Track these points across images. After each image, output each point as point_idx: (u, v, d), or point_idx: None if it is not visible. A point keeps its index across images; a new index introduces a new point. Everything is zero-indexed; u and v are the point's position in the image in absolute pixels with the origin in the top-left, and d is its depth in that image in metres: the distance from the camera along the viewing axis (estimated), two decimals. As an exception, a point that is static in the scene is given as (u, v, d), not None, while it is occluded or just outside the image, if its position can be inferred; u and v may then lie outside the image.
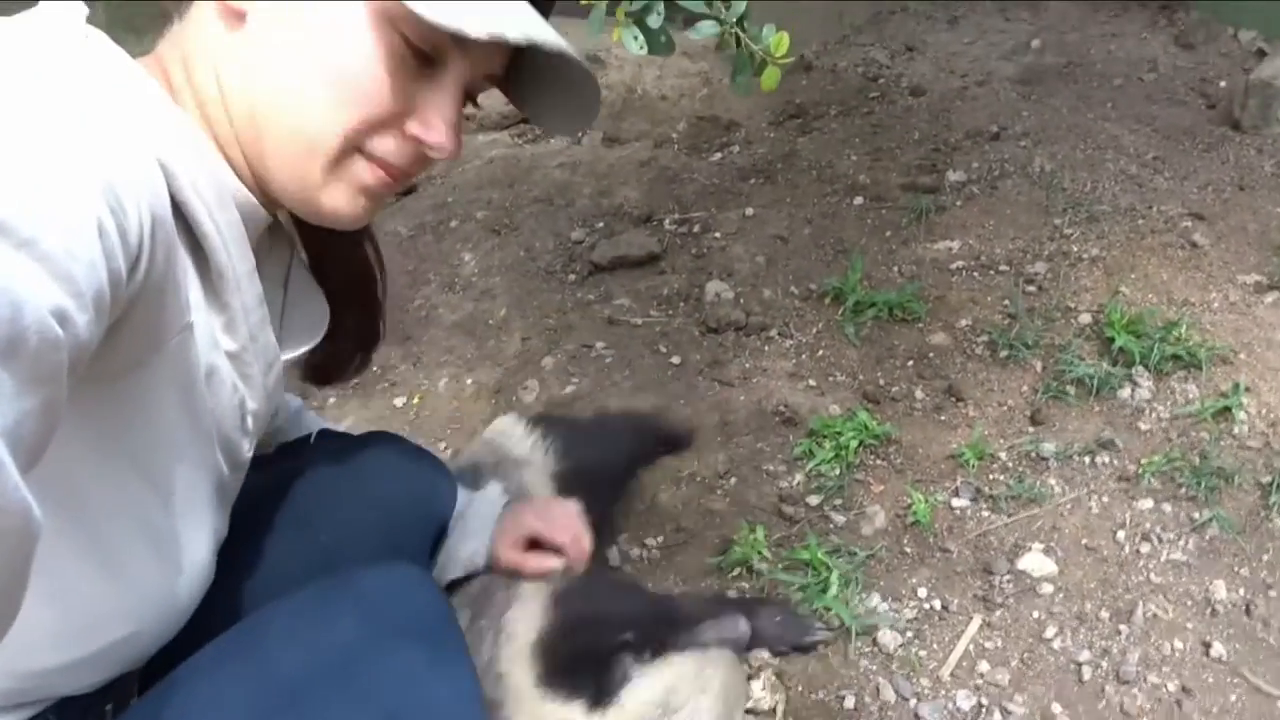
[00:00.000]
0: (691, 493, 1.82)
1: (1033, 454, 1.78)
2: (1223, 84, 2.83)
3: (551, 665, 1.22)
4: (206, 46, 0.82)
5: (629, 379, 2.10)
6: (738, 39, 0.81)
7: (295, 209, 0.90)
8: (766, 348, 2.14)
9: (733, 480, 1.83)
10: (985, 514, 1.69)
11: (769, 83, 0.85)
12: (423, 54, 0.82)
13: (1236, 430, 1.75)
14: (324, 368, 1.10)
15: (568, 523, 1.34)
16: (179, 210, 0.75)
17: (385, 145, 0.85)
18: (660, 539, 1.74)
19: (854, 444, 1.82)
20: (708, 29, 0.83)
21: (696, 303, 2.30)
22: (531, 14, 0.84)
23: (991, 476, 1.76)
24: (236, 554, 0.98)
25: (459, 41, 0.79)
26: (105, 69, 0.75)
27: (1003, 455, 1.79)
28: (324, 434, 1.24)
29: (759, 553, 1.64)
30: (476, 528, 1.32)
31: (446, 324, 2.40)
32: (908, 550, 1.65)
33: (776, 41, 0.82)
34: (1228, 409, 1.78)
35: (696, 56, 3.31)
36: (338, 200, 0.86)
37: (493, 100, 3.43)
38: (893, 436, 1.85)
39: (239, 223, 0.83)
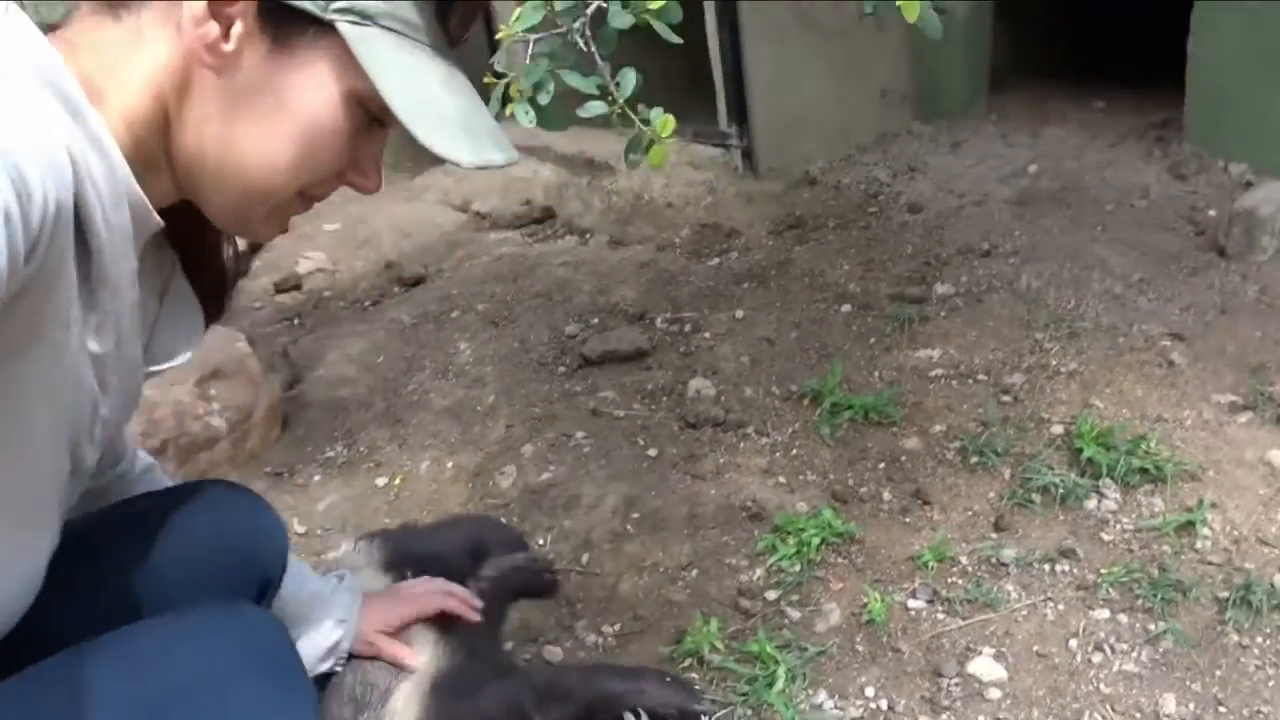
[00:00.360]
0: (653, 582, 1.83)
1: (993, 559, 1.78)
2: (1211, 213, 2.89)
3: None
4: (156, 75, 0.83)
5: (604, 469, 2.14)
6: (626, 118, 0.88)
7: (222, 228, 0.95)
8: (742, 444, 2.17)
9: (694, 572, 1.84)
10: (940, 616, 1.68)
11: (655, 160, 0.91)
12: (376, 120, 0.89)
13: (1199, 545, 1.75)
14: None
15: (432, 589, 1.41)
16: (75, 203, 0.75)
17: (323, 188, 0.94)
18: (617, 626, 1.75)
19: (816, 541, 1.83)
20: (596, 108, 0.90)
21: (679, 398, 2.34)
22: (489, 122, 0.91)
23: (950, 579, 1.75)
24: (56, 579, 0.94)
25: None
26: (20, 50, 0.75)
27: (963, 559, 1.79)
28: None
29: (711, 644, 1.64)
30: (341, 616, 1.36)
31: (436, 409, 2.46)
32: (859, 649, 1.64)
33: (662, 123, 0.88)
34: (1191, 523, 1.78)
35: (703, 167, 3.44)
36: (269, 229, 0.94)
37: (507, 201, 3.58)
38: (856, 536, 1.86)
39: (129, 225, 0.83)
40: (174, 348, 1.01)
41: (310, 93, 0.84)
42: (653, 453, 2.17)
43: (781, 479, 2.05)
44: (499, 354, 2.64)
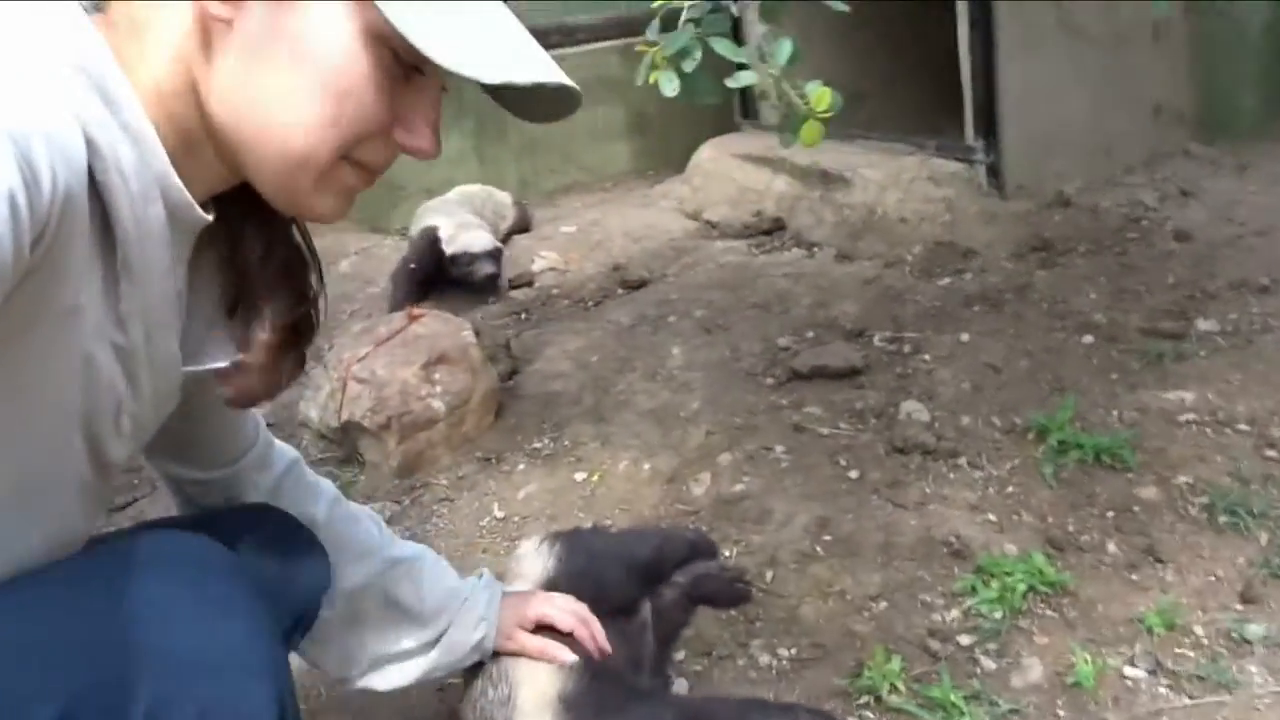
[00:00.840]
0: (837, 609, 1.73)
1: (1235, 634, 1.54)
2: None
3: None
4: (178, 39, 0.80)
5: (800, 486, 2.06)
6: (780, 89, 0.81)
7: (278, 208, 0.89)
8: (952, 475, 2.02)
9: (883, 604, 1.72)
10: (1162, 691, 1.48)
11: (810, 137, 0.83)
12: (409, 65, 0.84)
13: None
14: (247, 385, 1.02)
15: (572, 608, 1.36)
16: (97, 190, 0.73)
17: (372, 152, 0.87)
18: (794, 650, 1.67)
19: (1022, 588, 1.67)
20: (746, 78, 0.83)
21: (889, 421, 2.22)
22: (529, 44, 0.85)
23: (1179, 651, 1.54)
24: None
25: None
26: (60, 33, 0.74)
27: (1198, 629, 1.57)
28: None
29: (891, 683, 1.53)
30: (482, 614, 1.35)
31: (640, 410, 2.47)
32: (1061, 713, 1.47)
33: (818, 96, 0.80)
34: None
35: (943, 183, 3.26)
36: (325, 205, 0.87)
37: (738, 211, 3.60)
38: (1070, 587, 1.67)
39: (163, 219, 0.80)
40: (222, 351, 0.98)
41: (323, 33, 0.79)
42: (854, 474, 2.07)
43: (991, 517, 1.89)
44: (709, 361, 2.61)
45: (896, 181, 3.29)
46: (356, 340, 2.62)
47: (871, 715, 1.51)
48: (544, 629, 1.37)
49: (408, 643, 1.33)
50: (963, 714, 1.44)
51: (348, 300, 3.56)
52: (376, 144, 0.86)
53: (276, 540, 1.16)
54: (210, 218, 0.87)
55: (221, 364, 0.98)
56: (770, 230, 3.58)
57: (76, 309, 0.76)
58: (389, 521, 2.24)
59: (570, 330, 2.97)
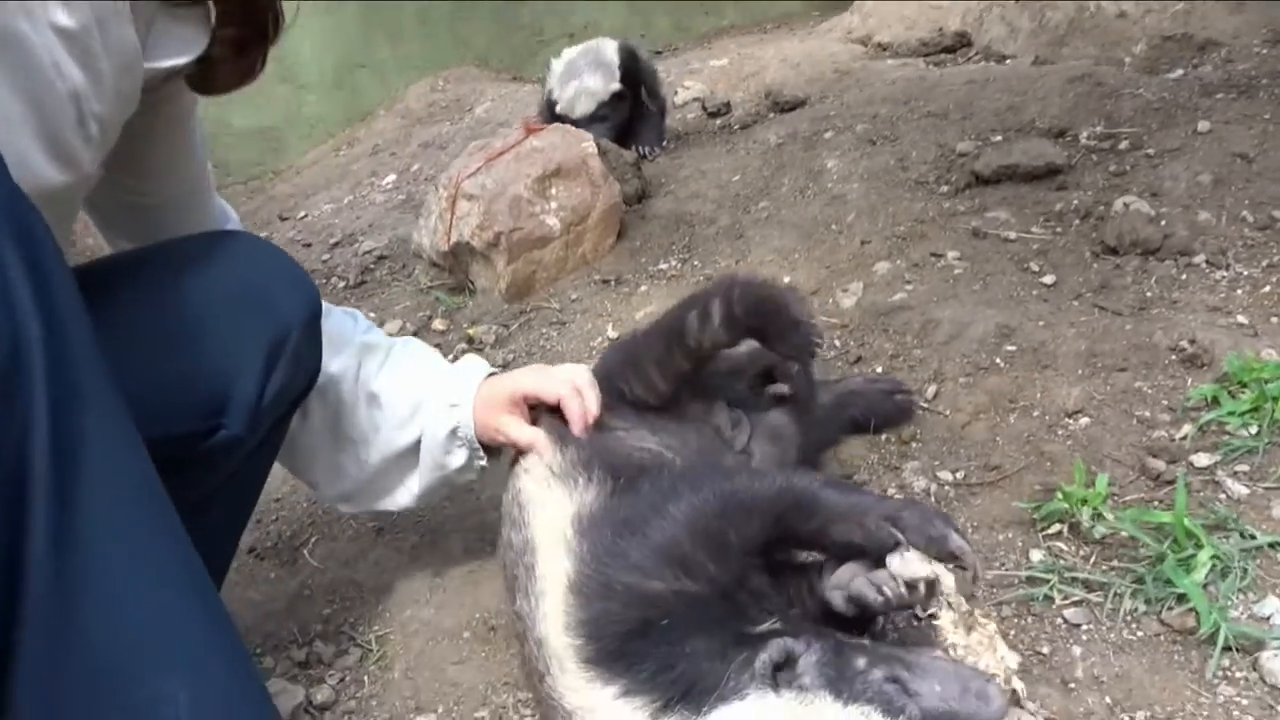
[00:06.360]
0: (1021, 427, 1.33)
1: None
2: None
3: (597, 642, 0.88)
4: None
5: (977, 294, 1.64)
6: None
7: None
8: (1185, 276, 1.55)
9: (1083, 420, 1.31)
10: None
11: None
12: None
13: None
14: (209, 70, 0.98)
15: (566, 377, 1.16)
16: None
17: None
18: (959, 474, 1.29)
19: (1289, 397, 1.21)
20: None
21: (1097, 221, 1.75)
22: None
23: None
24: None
25: None
26: None
27: None
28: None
29: (1094, 508, 1.12)
30: (453, 400, 1.19)
31: (784, 224, 2.08)
32: (1348, 552, 1.03)
33: None
34: None
35: (1176, -33, 2.64)
36: None
37: (915, 30, 3.03)
38: (1359, 400, 1.20)
39: None
40: (179, 46, 0.92)
41: None
42: (1049, 280, 1.63)
43: (1241, 319, 1.41)
44: (870, 171, 2.19)
45: (1116, -30, 2.68)
46: (470, 158, 2.35)
47: (1065, 548, 1.12)
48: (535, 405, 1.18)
49: (393, 445, 1.20)
50: (1202, 546, 1.03)
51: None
52: None
53: (253, 261, 1.07)
54: None
55: (180, 61, 0.93)
56: (953, 47, 3.06)
57: None
58: (494, 344, 1.98)
59: (711, 153, 2.60)
